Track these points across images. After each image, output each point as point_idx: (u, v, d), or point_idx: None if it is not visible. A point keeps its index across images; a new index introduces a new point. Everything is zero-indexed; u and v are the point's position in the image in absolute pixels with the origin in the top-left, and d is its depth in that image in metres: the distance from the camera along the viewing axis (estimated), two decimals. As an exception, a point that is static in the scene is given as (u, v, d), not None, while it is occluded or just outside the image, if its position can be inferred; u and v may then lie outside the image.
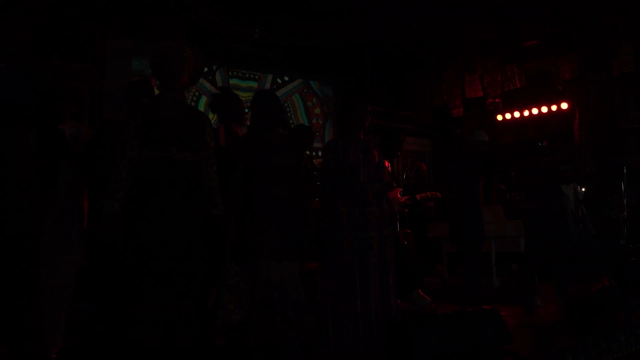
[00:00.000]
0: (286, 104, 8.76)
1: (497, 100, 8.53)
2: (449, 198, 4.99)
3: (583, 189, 7.39)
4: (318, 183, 4.22)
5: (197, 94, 7.87)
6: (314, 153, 8.32)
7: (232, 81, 8.21)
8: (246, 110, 3.93)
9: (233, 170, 2.96)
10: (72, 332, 3.65)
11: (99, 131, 3.38)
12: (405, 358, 2.98)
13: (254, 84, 8.45)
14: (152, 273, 2.34)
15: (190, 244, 2.46)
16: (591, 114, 8.21)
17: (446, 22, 7.49)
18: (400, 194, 6.14)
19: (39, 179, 2.57)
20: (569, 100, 8.39)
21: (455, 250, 5.72)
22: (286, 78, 8.86)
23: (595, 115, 8.14)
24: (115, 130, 3.08)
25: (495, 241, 6.12)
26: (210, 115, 4.60)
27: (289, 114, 8.73)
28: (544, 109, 8.64)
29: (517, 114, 9.04)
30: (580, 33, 7.50)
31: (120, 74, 6.67)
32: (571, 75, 7.73)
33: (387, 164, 5.26)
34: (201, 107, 7.75)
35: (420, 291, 5.01)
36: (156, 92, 3.43)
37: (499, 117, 9.18)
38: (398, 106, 9.95)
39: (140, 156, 2.43)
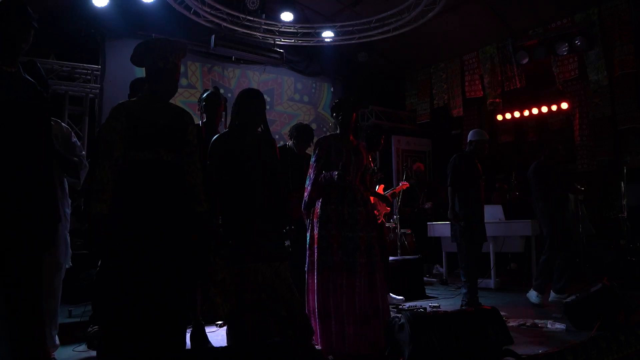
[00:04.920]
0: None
1: (497, 100, 8.53)
2: (450, 198, 4.98)
3: (583, 189, 7.39)
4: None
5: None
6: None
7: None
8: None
9: (214, 170, 2.93)
10: (71, 332, 3.65)
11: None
12: (406, 358, 2.97)
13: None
14: (141, 273, 2.33)
15: (178, 243, 2.46)
16: (591, 114, 8.22)
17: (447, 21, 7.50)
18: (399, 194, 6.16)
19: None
20: (569, 100, 8.40)
21: (455, 250, 5.72)
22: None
23: (595, 115, 8.15)
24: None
25: (495, 241, 6.12)
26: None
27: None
28: (544, 109, 8.64)
29: (517, 114, 9.05)
30: (581, 33, 7.49)
31: (120, 74, 6.67)
32: (571, 75, 7.72)
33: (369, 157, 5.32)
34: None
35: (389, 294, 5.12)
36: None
37: (499, 117, 9.18)
38: (398, 106, 9.95)
39: (127, 158, 2.42)
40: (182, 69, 7.83)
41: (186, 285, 2.49)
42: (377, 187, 5.41)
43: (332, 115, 3.63)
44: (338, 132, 3.56)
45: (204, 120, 3.62)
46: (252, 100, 3.05)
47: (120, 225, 2.35)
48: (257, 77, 8.49)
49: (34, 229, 2.22)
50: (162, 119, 2.51)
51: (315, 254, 3.30)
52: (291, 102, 8.89)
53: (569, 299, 4.10)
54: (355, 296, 3.21)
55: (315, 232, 3.33)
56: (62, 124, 3.30)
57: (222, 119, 4.04)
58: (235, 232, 2.85)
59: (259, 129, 3.10)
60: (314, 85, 9.17)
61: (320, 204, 3.36)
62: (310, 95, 9.13)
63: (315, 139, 3.94)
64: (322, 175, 3.38)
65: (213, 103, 3.62)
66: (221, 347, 3.24)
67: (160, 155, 2.45)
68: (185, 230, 2.50)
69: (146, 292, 2.33)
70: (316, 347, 3.19)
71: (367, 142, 4.75)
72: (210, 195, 2.77)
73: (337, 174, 3.27)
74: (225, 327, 3.50)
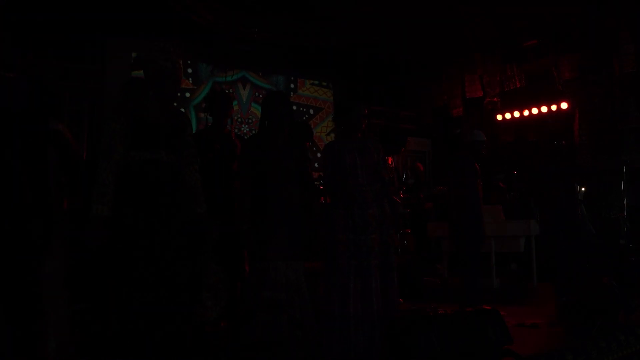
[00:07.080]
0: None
1: (495, 99, 8.53)
2: (448, 198, 4.98)
3: (583, 189, 7.38)
4: (320, 186, 4.25)
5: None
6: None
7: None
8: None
9: (241, 170, 3.02)
10: (70, 332, 3.64)
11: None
12: (406, 358, 2.97)
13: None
14: (147, 275, 2.35)
15: (181, 244, 2.49)
16: (591, 114, 8.21)
17: (446, 21, 7.49)
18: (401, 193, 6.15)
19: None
20: (569, 100, 8.39)
21: (455, 250, 5.72)
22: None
23: (595, 115, 8.14)
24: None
25: (495, 241, 6.11)
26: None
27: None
28: (544, 109, 8.63)
29: (517, 114, 9.04)
30: (580, 33, 7.49)
31: (120, 74, 6.66)
32: (571, 75, 7.72)
33: (389, 160, 5.29)
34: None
35: None
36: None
37: (499, 117, 9.18)
38: (398, 106, 9.94)
39: (128, 158, 2.42)
40: (190, 70, 7.81)
41: (191, 286, 2.52)
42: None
43: (336, 115, 3.58)
44: (342, 134, 3.51)
45: (210, 122, 3.59)
46: (279, 103, 3.12)
47: (123, 225, 2.36)
48: (259, 78, 8.49)
49: (25, 231, 2.24)
50: (164, 120, 2.53)
51: (325, 258, 3.33)
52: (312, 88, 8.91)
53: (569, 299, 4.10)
54: (373, 299, 3.20)
55: (326, 235, 3.36)
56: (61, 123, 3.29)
57: (229, 120, 3.98)
58: (259, 231, 2.93)
59: (287, 131, 3.15)
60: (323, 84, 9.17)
61: (329, 207, 3.40)
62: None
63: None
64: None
65: (221, 104, 3.59)
66: (222, 347, 3.26)
67: (161, 156, 2.47)
68: (188, 230, 2.53)
69: (153, 291, 2.35)
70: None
71: (391, 145, 4.70)
72: (241, 198, 2.93)
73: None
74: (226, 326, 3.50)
